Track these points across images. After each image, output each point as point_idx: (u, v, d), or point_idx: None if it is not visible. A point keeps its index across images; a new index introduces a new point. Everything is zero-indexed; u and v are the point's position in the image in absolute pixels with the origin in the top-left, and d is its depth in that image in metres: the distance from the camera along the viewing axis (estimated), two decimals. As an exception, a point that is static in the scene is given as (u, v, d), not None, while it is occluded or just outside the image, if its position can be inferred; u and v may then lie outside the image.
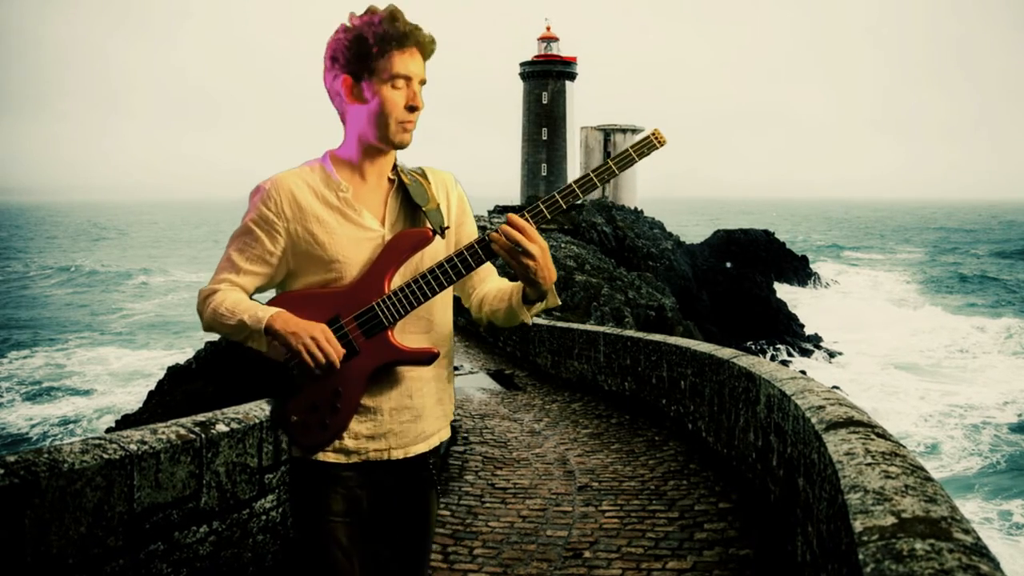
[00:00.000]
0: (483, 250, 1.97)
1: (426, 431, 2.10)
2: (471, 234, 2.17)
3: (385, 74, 1.90)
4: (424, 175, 2.11)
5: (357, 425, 2.03)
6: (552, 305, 2.07)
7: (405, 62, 1.91)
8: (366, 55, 1.90)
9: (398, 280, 2.00)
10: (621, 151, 1.96)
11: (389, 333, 1.99)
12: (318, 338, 1.91)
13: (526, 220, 1.92)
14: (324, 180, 2.01)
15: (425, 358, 2.01)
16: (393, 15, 1.89)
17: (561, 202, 1.95)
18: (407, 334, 2.04)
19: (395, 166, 2.08)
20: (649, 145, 1.96)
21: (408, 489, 2.12)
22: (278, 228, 1.98)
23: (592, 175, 1.95)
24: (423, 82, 1.96)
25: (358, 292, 1.98)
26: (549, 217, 1.95)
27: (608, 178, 1.96)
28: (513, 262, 1.93)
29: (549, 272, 1.95)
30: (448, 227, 2.09)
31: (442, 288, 1.98)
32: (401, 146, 2.00)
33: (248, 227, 2.00)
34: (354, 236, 1.99)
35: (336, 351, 1.93)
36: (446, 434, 2.19)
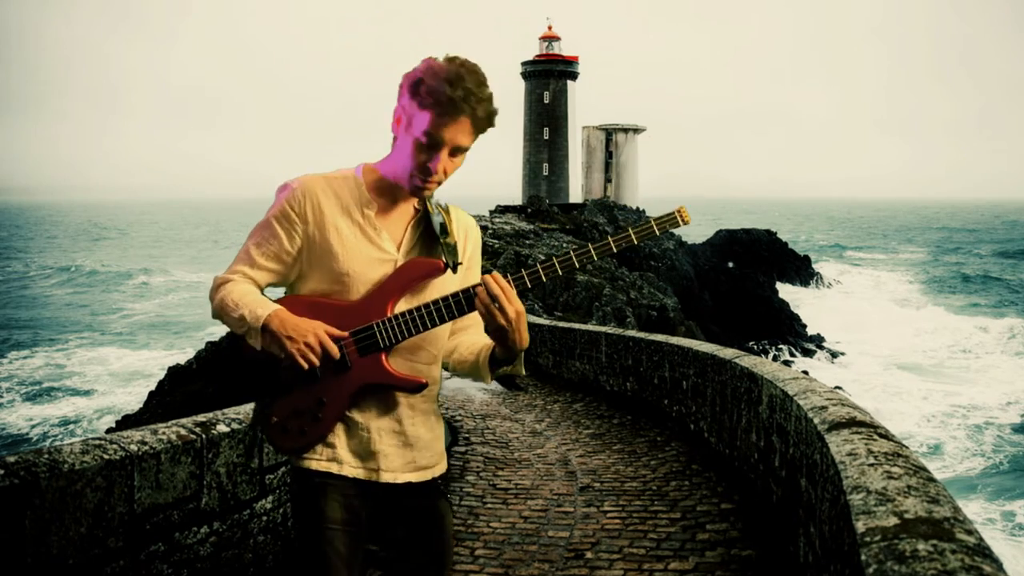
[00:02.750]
0: (516, 283, 1.99)
1: (417, 461, 2.09)
2: (476, 278, 2.18)
3: (418, 129, 1.89)
4: (448, 212, 2.12)
5: (348, 440, 2.03)
6: (516, 373, 2.10)
7: (443, 128, 1.87)
8: (414, 101, 1.89)
9: (403, 306, 2.01)
10: (643, 223, 1.99)
11: (383, 356, 2.00)
12: (311, 344, 1.92)
13: (508, 282, 1.95)
14: (352, 193, 2.02)
15: (412, 386, 2.01)
16: (457, 76, 1.85)
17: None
18: (402, 361, 2.04)
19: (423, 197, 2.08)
20: (672, 221, 2.01)
21: (413, 506, 2.11)
22: (298, 229, 1.99)
23: (611, 241, 1.99)
24: (463, 150, 1.93)
25: (361, 309, 1.99)
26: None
27: (626, 245, 2.00)
28: (488, 319, 1.94)
29: (521, 337, 1.97)
30: (461, 263, 2.10)
31: (443, 321, 1.99)
32: (416, 195, 2.01)
33: (269, 222, 2.01)
34: (368, 255, 2.00)
35: (330, 353, 1.93)
36: (440, 470, 2.17)
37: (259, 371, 2.03)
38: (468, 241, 2.16)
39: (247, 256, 2.03)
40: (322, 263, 2.00)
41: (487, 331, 1.98)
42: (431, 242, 2.07)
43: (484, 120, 1.91)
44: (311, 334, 1.92)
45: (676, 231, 53.35)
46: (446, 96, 1.84)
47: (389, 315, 1.99)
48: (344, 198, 2.01)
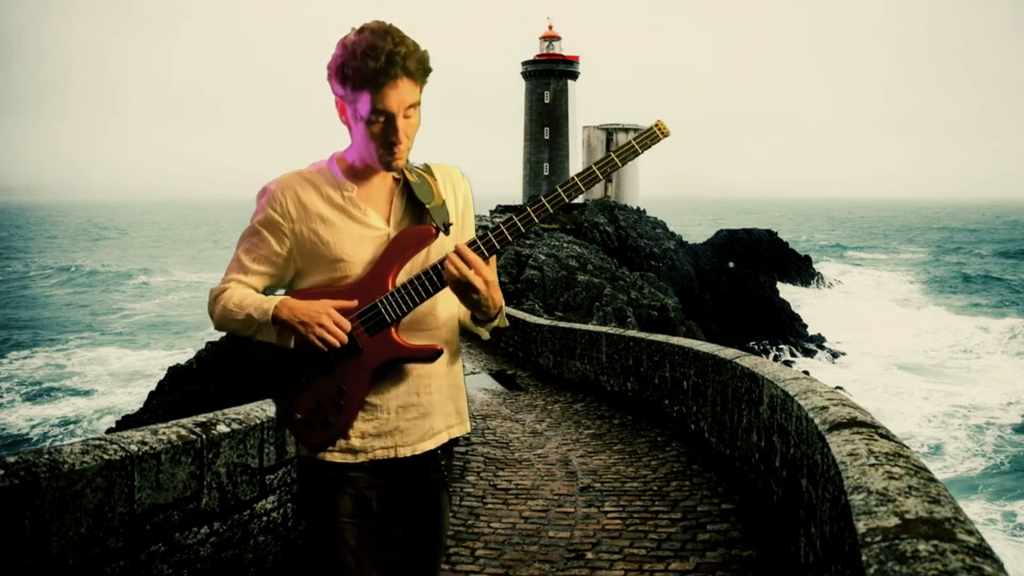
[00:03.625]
0: (486, 248, 1.97)
1: (434, 427, 2.10)
2: (470, 231, 2.18)
3: (363, 110, 1.87)
4: (430, 172, 2.11)
5: (363, 424, 2.03)
6: (501, 325, 2.12)
7: (382, 99, 1.85)
8: (346, 87, 1.87)
9: (403, 277, 2.01)
10: (624, 143, 1.94)
11: (392, 330, 1.99)
12: (325, 324, 1.92)
13: (479, 251, 1.94)
14: (329, 181, 2.02)
15: (428, 355, 2.01)
16: (373, 48, 1.81)
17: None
18: (413, 332, 2.04)
19: None
20: (652, 137, 1.95)
21: (418, 490, 2.12)
22: (284, 229, 2.00)
23: (594, 169, 1.94)
24: (413, 106, 1.90)
25: (362, 290, 1.99)
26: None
27: (611, 171, 1.95)
28: (458, 292, 1.96)
29: (493, 301, 1.99)
30: (452, 223, 2.09)
31: (445, 285, 1.98)
32: (391, 170, 2.00)
33: (255, 228, 2.03)
34: (358, 235, 2.00)
35: (345, 329, 1.94)
36: (459, 431, 2.17)
37: (273, 371, 2.03)
38: (457, 194, 2.14)
39: (239, 264, 2.05)
40: (315, 255, 2.00)
41: (460, 300, 2.00)
42: (419, 207, 2.06)
43: (419, 70, 1.88)
44: (323, 314, 1.92)
45: (677, 231, 53.35)
46: (371, 69, 1.82)
47: (391, 289, 1.98)
48: (322, 187, 2.01)
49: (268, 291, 2.07)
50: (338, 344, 1.92)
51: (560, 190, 1.93)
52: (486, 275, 1.94)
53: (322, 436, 2.01)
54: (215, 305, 2.02)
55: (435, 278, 1.97)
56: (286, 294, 2.05)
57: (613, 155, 1.94)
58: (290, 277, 2.06)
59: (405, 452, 2.06)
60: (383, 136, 1.91)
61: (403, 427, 2.05)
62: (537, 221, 1.95)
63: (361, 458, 2.03)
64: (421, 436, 2.08)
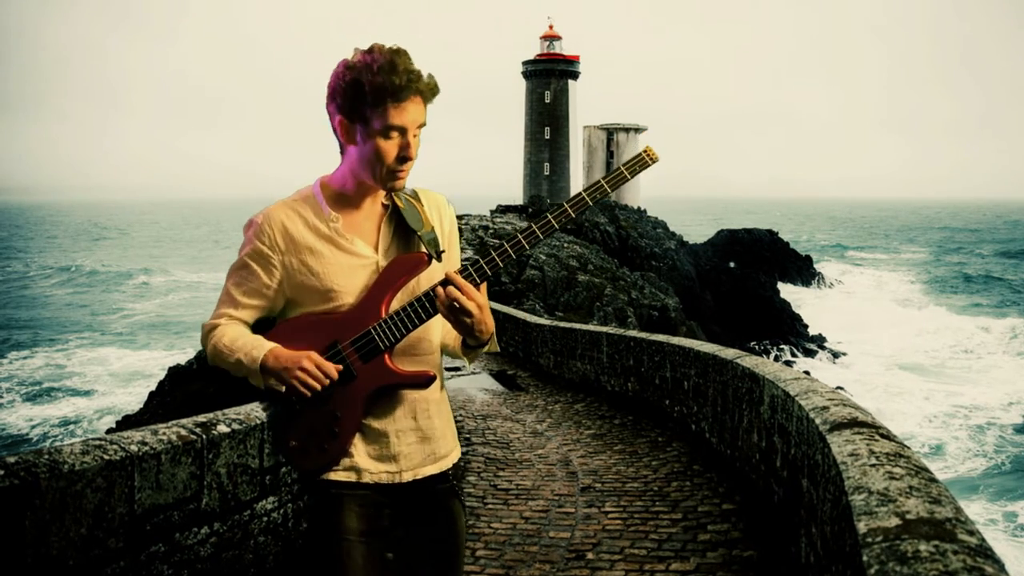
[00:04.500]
0: (477, 274, 1.99)
1: (437, 452, 2.11)
2: (456, 258, 2.19)
3: (378, 125, 1.89)
4: (417, 197, 2.12)
5: (366, 446, 2.04)
6: (492, 350, 2.13)
7: (400, 114, 1.88)
8: (361, 103, 1.88)
9: (396, 305, 2.01)
10: (614, 170, 1.99)
11: (386, 357, 2.00)
12: (307, 368, 1.94)
13: (471, 278, 1.96)
14: (315, 209, 2.03)
15: (422, 381, 2.03)
16: (392, 64, 1.85)
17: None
18: (407, 358, 2.06)
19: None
20: (641, 163, 2.00)
21: (428, 507, 2.12)
22: (273, 261, 2.01)
23: (584, 195, 1.99)
24: (422, 126, 1.94)
25: (355, 317, 2.00)
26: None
27: (601, 197, 2.00)
28: (451, 318, 1.96)
29: (486, 326, 2.00)
30: (444, 250, 2.10)
31: (437, 311, 1.99)
32: (392, 191, 2.01)
33: (244, 262, 2.04)
34: (347, 264, 2.01)
35: (328, 373, 1.96)
36: (456, 455, 2.19)
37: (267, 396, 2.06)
38: (444, 221, 2.16)
39: (229, 298, 2.06)
40: (306, 286, 2.01)
41: (453, 327, 2.01)
42: (408, 234, 2.07)
43: (431, 91, 1.93)
44: (305, 359, 1.95)
45: (677, 231, 53.34)
46: (393, 84, 1.85)
47: (384, 316, 1.99)
48: (308, 217, 2.02)
49: (261, 321, 2.08)
50: (319, 387, 1.95)
51: (551, 217, 1.98)
52: (479, 300, 1.96)
53: (318, 462, 2.02)
54: (207, 341, 2.05)
55: (428, 305, 1.98)
56: (278, 320, 2.07)
57: (603, 182, 1.99)
58: (281, 307, 2.07)
59: (408, 477, 2.07)
60: (397, 151, 1.92)
61: (405, 452, 2.06)
62: (528, 247, 1.98)
63: (366, 478, 2.03)
64: (423, 460, 2.09)
